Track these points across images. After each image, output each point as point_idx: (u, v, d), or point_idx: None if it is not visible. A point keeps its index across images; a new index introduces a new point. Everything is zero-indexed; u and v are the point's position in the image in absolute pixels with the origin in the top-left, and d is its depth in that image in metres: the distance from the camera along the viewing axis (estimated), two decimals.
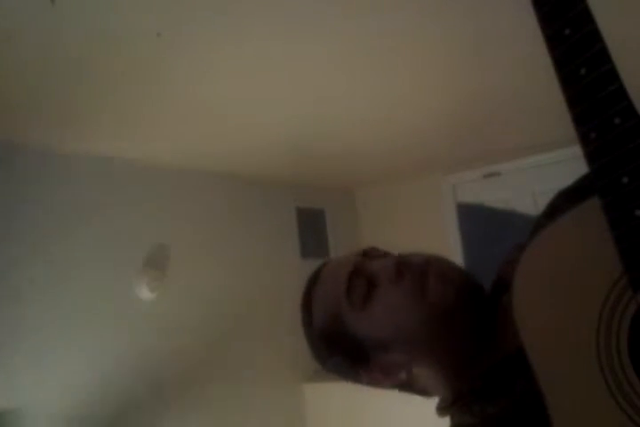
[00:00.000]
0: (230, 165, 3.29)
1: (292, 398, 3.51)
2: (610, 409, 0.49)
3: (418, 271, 0.71)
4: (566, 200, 0.68)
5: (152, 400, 2.83)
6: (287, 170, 3.52)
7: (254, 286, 3.41)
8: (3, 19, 1.62)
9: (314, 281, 0.79)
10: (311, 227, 3.92)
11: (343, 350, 0.75)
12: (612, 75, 0.48)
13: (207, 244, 3.26)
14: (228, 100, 2.37)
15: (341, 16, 1.80)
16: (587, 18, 0.49)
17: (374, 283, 0.72)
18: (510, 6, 1.67)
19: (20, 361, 2.42)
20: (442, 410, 0.74)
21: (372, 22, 1.85)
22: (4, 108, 2.22)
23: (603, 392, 0.49)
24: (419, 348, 0.71)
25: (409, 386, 0.75)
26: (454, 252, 3.73)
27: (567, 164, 2.76)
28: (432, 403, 0.76)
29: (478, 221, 3.75)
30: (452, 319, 0.69)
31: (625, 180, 0.47)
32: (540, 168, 3.45)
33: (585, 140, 0.49)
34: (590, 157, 0.49)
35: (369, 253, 0.78)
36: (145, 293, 2.89)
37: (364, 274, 0.73)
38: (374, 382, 0.77)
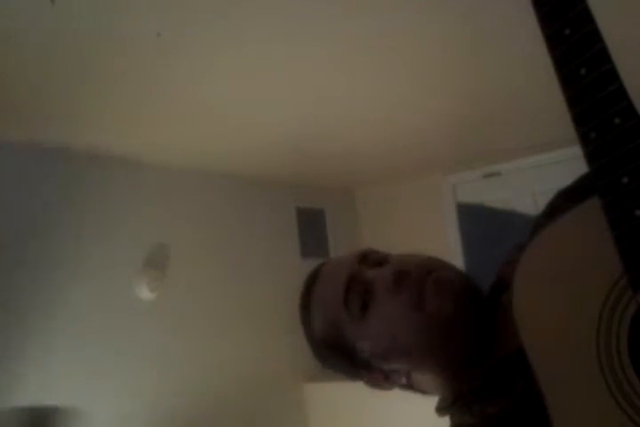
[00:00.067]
0: (230, 165, 3.29)
1: (293, 397, 3.51)
2: (610, 409, 0.49)
3: (416, 281, 0.70)
4: (566, 200, 0.68)
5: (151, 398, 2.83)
6: (287, 170, 3.52)
7: (254, 286, 3.42)
8: (3, 19, 1.62)
9: (313, 281, 0.79)
10: (311, 227, 3.92)
11: (343, 355, 0.76)
12: (612, 75, 0.48)
13: (207, 244, 3.26)
14: (228, 100, 2.37)
15: (341, 17, 1.80)
16: (587, 18, 0.49)
17: (372, 293, 0.72)
18: (510, 6, 1.67)
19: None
20: (441, 410, 0.74)
21: (371, 22, 1.85)
22: (4, 107, 2.22)
23: (603, 392, 0.49)
24: (418, 356, 0.72)
25: (409, 388, 0.77)
26: (454, 252, 3.73)
27: (567, 164, 2.76)
28: (432, 403, 0.76)
29: (478, 222, 3.75)
30: (451, 329, 0.69)
31: (625, 180, 0.47)
32: (540, 168, 3.45)
33: (585, 140, 0.49)
34: (590, 157, 0.49)
35: (367, 256, 0.77)
36: (145, 293, 2.89)
37: (362, 284, 0.73)
38: (375, 385, 0.78)
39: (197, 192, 3.31)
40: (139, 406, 2.78)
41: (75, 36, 1.77)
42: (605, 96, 0.48)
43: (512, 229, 3.25)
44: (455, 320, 0.68)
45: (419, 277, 0.70)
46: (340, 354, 0.76)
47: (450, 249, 3.73)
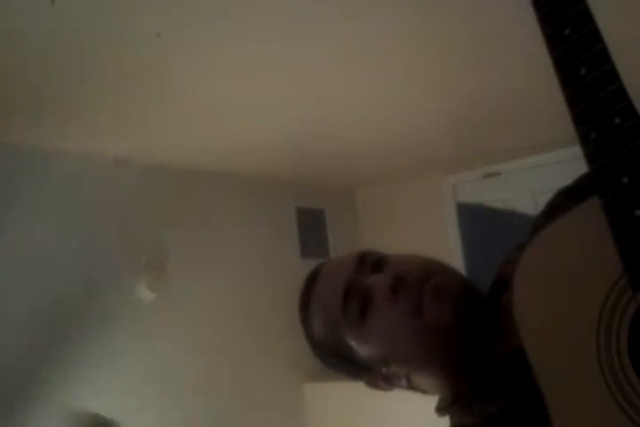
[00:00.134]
0: (230, 165, 3.29)
1: (292, 398, 3.51)
2: (610, 409, 0.49)
3: (414, 288, 0.69)
4: (566, 200, 0.68)
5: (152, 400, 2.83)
6: (287, 170, 3.52)
7: (254, 286, 3.41)
8: (3, 19, 1.62)
9: (312, 281, 0.78)
10: (311, 227, 3.92)
11: (342, 356, 0.76)
12: (612, 75, 0.48)
13: (207, 244, 3.26)
14: (228, 100, 2.37)
15: (341, 17, 1.80)
16: (587, 18, 0.49)
17: (370, 301, 0.72)
18: (510, 6, 1.67)
19: None
20: (441, 410, 0.74)
21: (372, 22, 1.85)
22: (4, 108, 2.22)
23: (603, 392, 0.49)
24: (417, 361, 0.72)
25: (409, 388, 0.77)
26: (454, 252, 3.73)
27: (567, 164, 2.76)
28: (432, 403, 0.77)
29: (478, 221, 3.75)
30: (450, 335, 0.69)
31: (625, 180, 0.47)
32: (540, 168, 3.45)
33: (585, 140, 0.49)
34: (590, 157, 0.49)
35: (366, 258, 0.76)
36: (145, 293, 2.89)
37: (360, 291, 0.72)
38: (374, 386, 0.78)
39: (197, 192, 3.31)
40: (137, 405, 2.78)
41: (75, 36, 1.77)
42: (605, 96, 0.47)
43: (512, 229, 3.25)
44: (454, 327, 0.68)
45: (417, 283, 0.70)
46: (339, 355, 0.76)
47: (450, 249, 3.73)
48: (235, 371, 3.22)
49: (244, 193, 3.56)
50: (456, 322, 0.68)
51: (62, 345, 2.58)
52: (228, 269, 3.33)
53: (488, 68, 2.32)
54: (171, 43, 1.85)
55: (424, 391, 0.77)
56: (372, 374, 0.76)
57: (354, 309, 0.72)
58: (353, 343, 0.73)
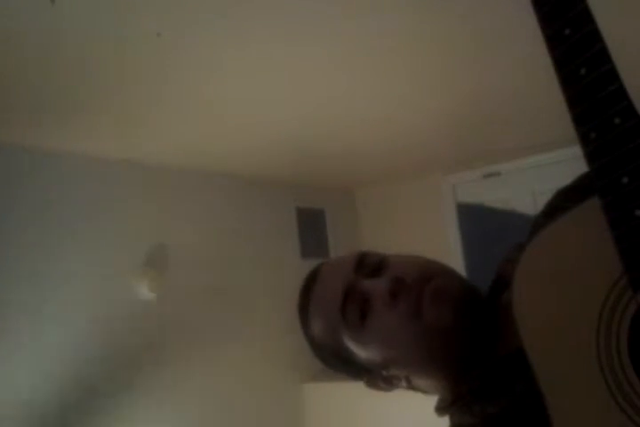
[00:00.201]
0: (230, 165, 3.29)
1: (292, 398, 3.51)
2: (610, 409, 0.49)
3: (413, 291, 0.69)
4: (565, 199, 0.68)
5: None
6: (287, 170, 3.52)
7: (254, 286, 3.42)
8: (3, 19, 1.62)
9: (311, 283, 0.78)
10: (311, 227, 3.92)
11: (342, 358, 0.76)
12: (612, 75, 0.48)
13: (207, 244, 3.26)
14: (229, 100, 2.37)
15: (341, 17, 1.80)
16: (587, 18, 0.49)
17: (369, 304, 0.71)
18: (510, 6, 1.67)
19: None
20: (441, 410, 0.74)
21: (372, 22, 1.85)
22: (4, 108, 2.22)
23: (603, 392, 0.49)
24: (416, 364, 0.72)
25: (409, 389, 0.77)
26: (454, 252, 3.74)
27: (567, 164, 2.77)
28: (432, 403, 0.77)
29: (478, 221, 3.75)
30: (450, 338, 0.69)
31: (625, 180, 0.47)
32: (540, 168, 3.45)
33: (585, 140, 0.49)
34: (590, 157, 0.49)
35: (365, 260, 0.76)
36: (145, 293, 2.89)
37: (359, 294, 0.72)
38: (375, 388, 0.78)
39: (197, 192, 3.31)
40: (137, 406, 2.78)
41: (75, 36, 1.76)
42: (605, 96, 0.48)
43: (512, 229, 3.25)
44: (454, 329, 0.68)
45: (416, 285, 0.70)
46: (339, 357, 0.76)
47: (450, 249, 3.73)
48: (235, 371, 3.22)
49: (244, 193, 3.56)
50: (456, 324, 0.68)
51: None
52: (228, 270, 3.33)
53: (488, 68, 2.32)
54: (171, 43, 1.85)
55: (424, 392, 0.77)
56: (372, 374, 0.76)
57: (353, 312, 0.72)
58: (352, 346, 0.73)
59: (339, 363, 0.78)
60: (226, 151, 3.04)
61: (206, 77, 2.15)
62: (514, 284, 0.56)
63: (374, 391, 0.79)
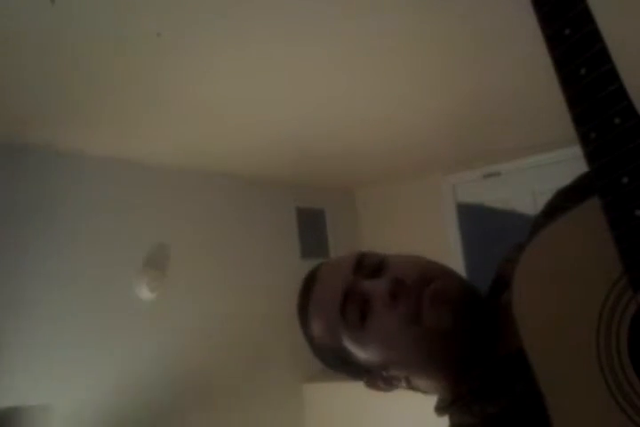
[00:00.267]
0: (230, 165, 3.29)
1: (292, 398, 3.51)
2: (610, 409, 0.49)
3: (413, 293, 0.69)
4: (565, 199, 0.68)
5: (152, 400, 2.83)
6: (287, 170, 3.52)
7: (254, 286, 3.42)
8: (3, 19, 1.62)
9: (310, 284, 0.78)
10: (311, 227, 3.92)
11: (342, 360, 0.76)
12: (612, 75, 0.48)
13: (207, 244, 3.26)
14: (228, 100, 2.37)
15: (341, 17, 1.80)
16: (587, 18, 0.49)
17: (369, 305, 0.71)
18: (510, 6, 1.67)
19: (22, 359, 2.42)
20: (441, 410, 0.74)
21: (372, 22, 1.85)
22: (4, 108, 2.22)
23: (603, 392, 0.49)
24: (416, 366, 0.72)
25: (409, 389, 0.77)
26: (454, 252, 3.74)
27: (567, 164, 2.77)
28: (432, 403, 0.77)
29: (478, 221, 3.75)
30: (449, 341, 0.69)
31: (625, 180, 0.47)
32: (540, 168, 3.45)
33: (585, 140, 0.49)
34: (590, 157, 0.49)
35: (364, 261, 0.75)
36: (145, 293, 2.89)
37: (359, 295, 0.72)
38: (375, 388, 0.78)
39: (197, 192, 3.31)
40: (138, 407, 2.78)
41: (75, 36, 1.76)
42: (605, 96, 0.47)
43: (512, 229, 3.25)
44: (453, 332, 0.68)
45: (416, 287, 0.70)
46: (338, 358, 0.76)
47: (450, 249, 3.73)
48: (235, 371, 3.22)
49: (244, 193, 3.56)
50: (455, 326, 0.68)
51: (63, 348, 2.58)
52: (228, 270, 3.33)
53: (488, 68, 2.32)
54: (171, 43, 1.85)
55: (424, 392, 0.77)
56: (372, 375, 0.76)
57: (353, 313, 0.72)
58: (352, 347, 0.73)
59: (338, 363, 0.78)
60: (226, 151, 3.04)
61: (206, 77, 2.15)
62: (513, 284, 0.56)
63: (374, 392, 0.80)
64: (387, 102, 2.58)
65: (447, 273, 0.75)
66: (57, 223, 2.67)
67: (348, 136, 3.00)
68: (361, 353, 0.73)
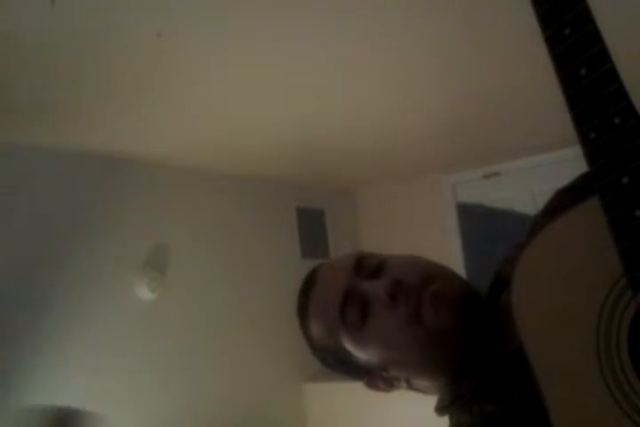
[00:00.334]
0: (231, 165, 3.29)
1: (293, 397, 3.51)
2: (610, 409, 0.49)
3: (413, 294, 0.69)
4: (565, 199, 0.68)
5: (153, 400, 2.83)
6: (287, 170, 3.52)
7: (254, 287, 3.41)
8: (3, 19, 1.62)
9: (310, 285, 0.78)
10: (311, 227, 3.92)
11: (342, 361, 0.76)
12: (612, 75, 0.48)
13: (207, 244, 3.26)
14: (228, 100, 2.37)
15: (341, 17, 1.80)
16: (587, 17, 0.49)
17: (369, 306, 0.71)
18: (510, 6, 1.67)
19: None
20: (440, 410, 0.74)
21: (372, 22, 1.85)
22: (3, 107, 2.22)
23: (602, 392, 0.49)
24: (416, 367, 0.72)
25: (409, 389, 0.77)
26: (454, 252, 3.74)
27: (567, 164, 2.76)
28: (432, 403, 0.77)
29: (478, 221, 3.75)
30: (450, 340, 0.69)
31: (625, 180, 0.47)
32: (540, 168, 3.45)
33: (585, 140, 0.49)
34: (590, 156, 0.49)
35: (363, 262, 0.75)
36: (145, 293, 2.89)
37: (358, 297, 0.72)
38: (375, 389, 0.78)
39: (198, 192, 3.31)
40: (138, 406, 2.78)
41: (75, 37, 1.76)
42: (605, 96, 0.47)
43: (512, 229, 3.25)
44: (453, 332, 0.68)
45: (416, 288, 0.69)
46: (338, 359, 0.76)
47: (450, 249, 3.73)
48: (235, 371, 3.22)
49: (244, 193, 3.56)
50: (455, 327, 0.68)
51: (63, 349, 2.58)
52: (228, 270, 3.33)
53: (488, 68, 2.32)
54: (171, 43, 1.85)
55: (424, 392, 0.78)
56: (372, 375, 0.76)
57: (353, 314, 0.72)
58: (351, 348, 0.73)
59: (338, 364, 0.78)
60: (226, 151, 3.04)
61: (206, 77, 2.15)
62: (513, 284, 0.56)
63: (374, 392, 0.80)
64: (387, 102, 2.58)
65: (447, 274, 0.75)
66: (56, 223, 2.67)
67: (349, 136, 3.00)
68: (361, 354, 0.73)
